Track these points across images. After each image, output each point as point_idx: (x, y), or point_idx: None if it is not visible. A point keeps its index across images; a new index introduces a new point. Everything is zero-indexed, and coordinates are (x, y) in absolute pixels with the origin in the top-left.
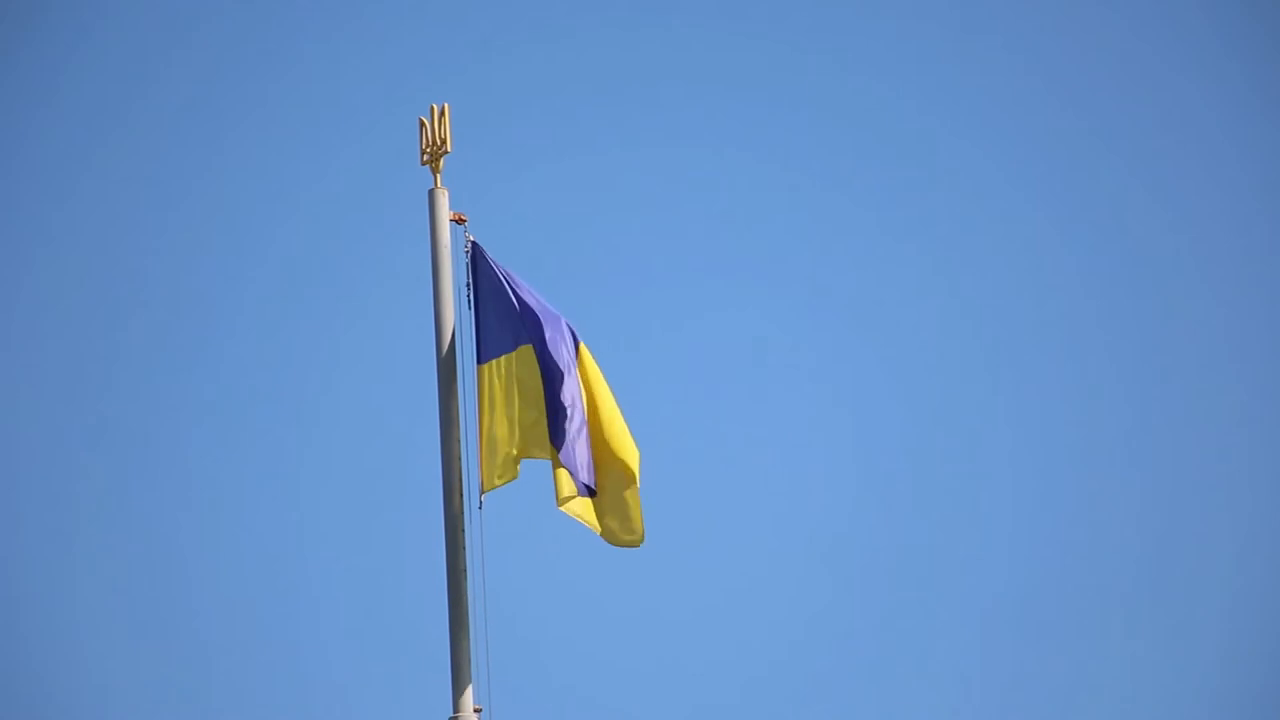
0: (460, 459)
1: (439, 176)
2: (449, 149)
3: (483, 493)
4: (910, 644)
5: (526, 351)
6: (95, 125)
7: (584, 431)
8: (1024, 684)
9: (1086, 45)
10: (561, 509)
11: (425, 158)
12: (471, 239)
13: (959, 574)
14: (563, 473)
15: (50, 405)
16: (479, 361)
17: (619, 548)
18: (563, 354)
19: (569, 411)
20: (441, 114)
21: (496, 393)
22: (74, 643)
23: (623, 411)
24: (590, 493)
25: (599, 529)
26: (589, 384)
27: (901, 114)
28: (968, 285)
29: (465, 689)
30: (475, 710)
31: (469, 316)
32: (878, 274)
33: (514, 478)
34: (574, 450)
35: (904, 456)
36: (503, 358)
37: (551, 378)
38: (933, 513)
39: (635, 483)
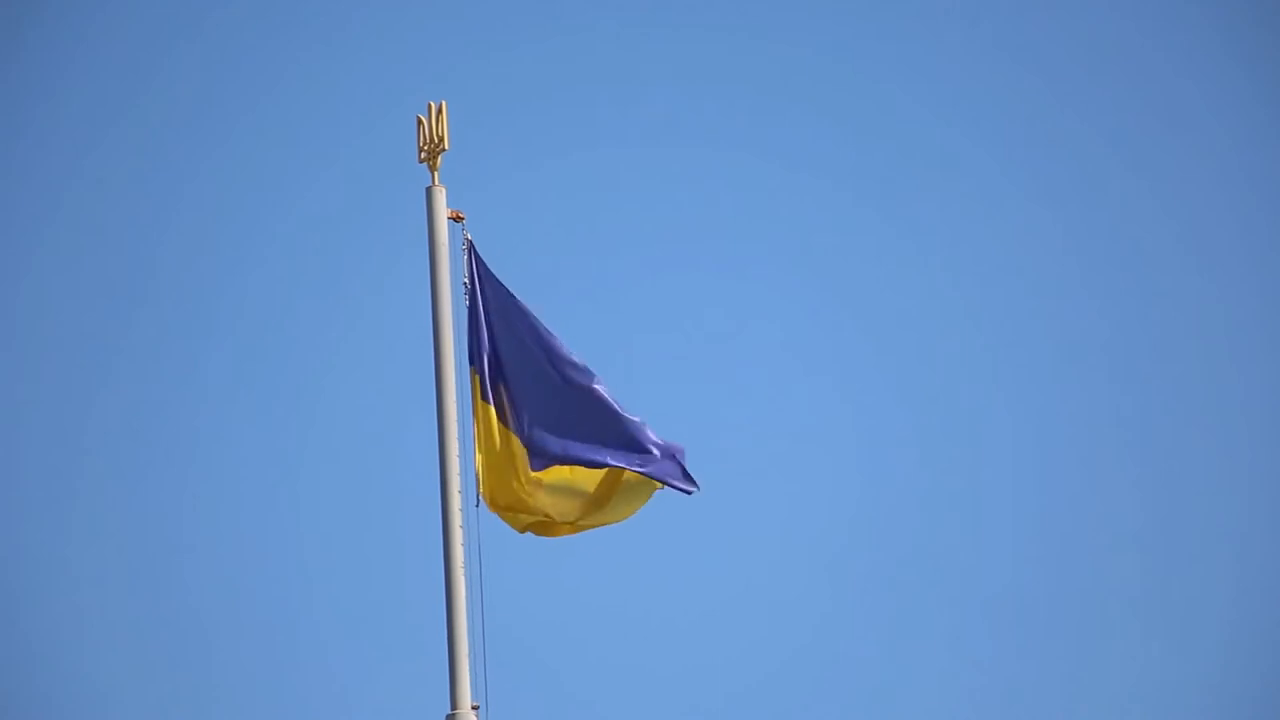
0: (458, 457)
1: (436, 174)
2: (447, 146)
3: (480, 491)
4: (910, 645)
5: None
6: (95, 124)
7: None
8: (1024, 684)
9: (1086, 45)
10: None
11: (423, 155)
12: (470, 238)
13: (960, 574)
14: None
15: (50, 405)
16: (470, 363)
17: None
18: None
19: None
20: (439, 111)
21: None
22: (74, 642)
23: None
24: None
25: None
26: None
27: (902, 114)
28: (969, 285)
29: (463, 686)
30: (472, 708)
31: (466, 314)
32: (879, 273)
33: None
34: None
35: (906, 457)
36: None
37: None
38: (934, 513)
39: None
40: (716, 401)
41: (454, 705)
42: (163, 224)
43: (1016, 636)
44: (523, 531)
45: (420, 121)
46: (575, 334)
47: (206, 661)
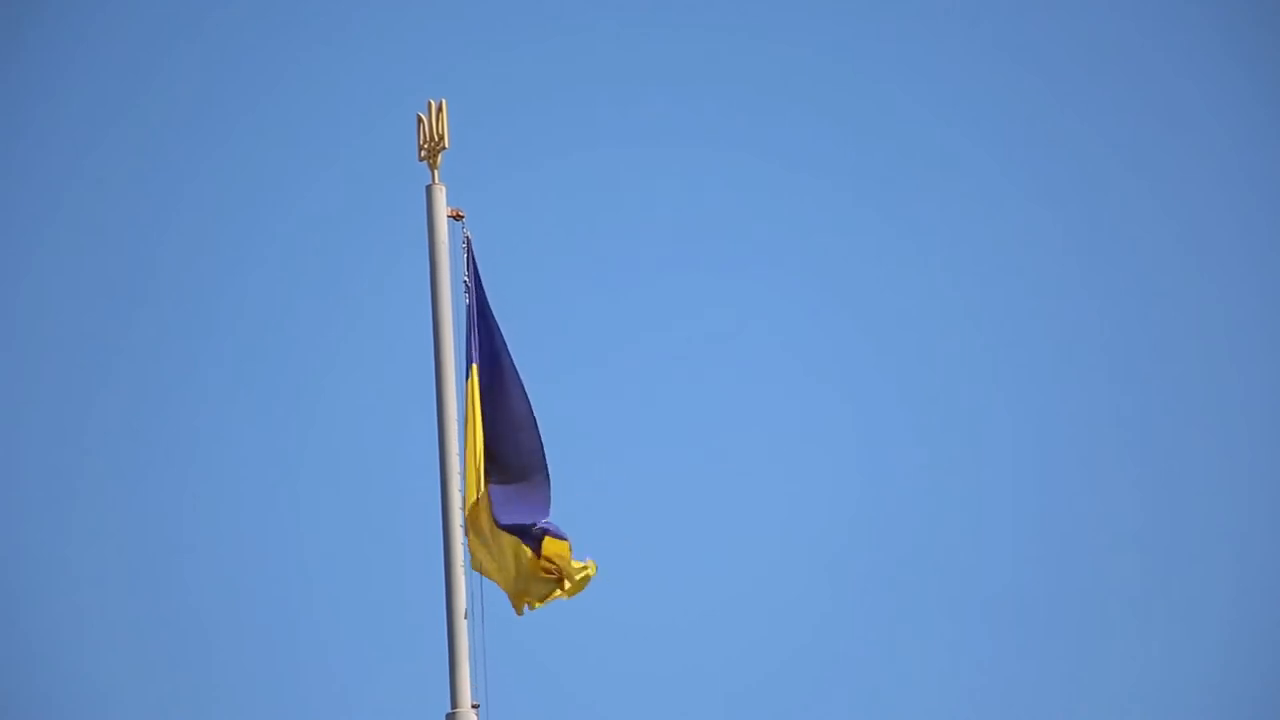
0: (458, 457)
1: (436, 172)
2: (447, 145)
3: (466, 504)
4: (910, 645)
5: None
6: (95, 124)
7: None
8: (1024, 684)
9: (1086, 45)
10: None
11: (423, 153)
12: (470, 237)
13: (960, 574)
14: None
15: (50, 405)
16: (471, 360)
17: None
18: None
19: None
20: (439, 109)
21: (475, 399)
22: (74, 642)
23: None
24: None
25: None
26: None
27: (902, 114)
28: (969, 285)
29: (463, 686)
30: (473, 706)
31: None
32: (879, 273)
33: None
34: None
35: (906, 457)
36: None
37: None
38: (934, 513)
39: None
40: (716, 401)
41: (454, 704)
42: (163, 224)
43: (1016, 636)
44: (475, 569)
45: (420, 119)
46: (576, 333)
47: (206, 661)
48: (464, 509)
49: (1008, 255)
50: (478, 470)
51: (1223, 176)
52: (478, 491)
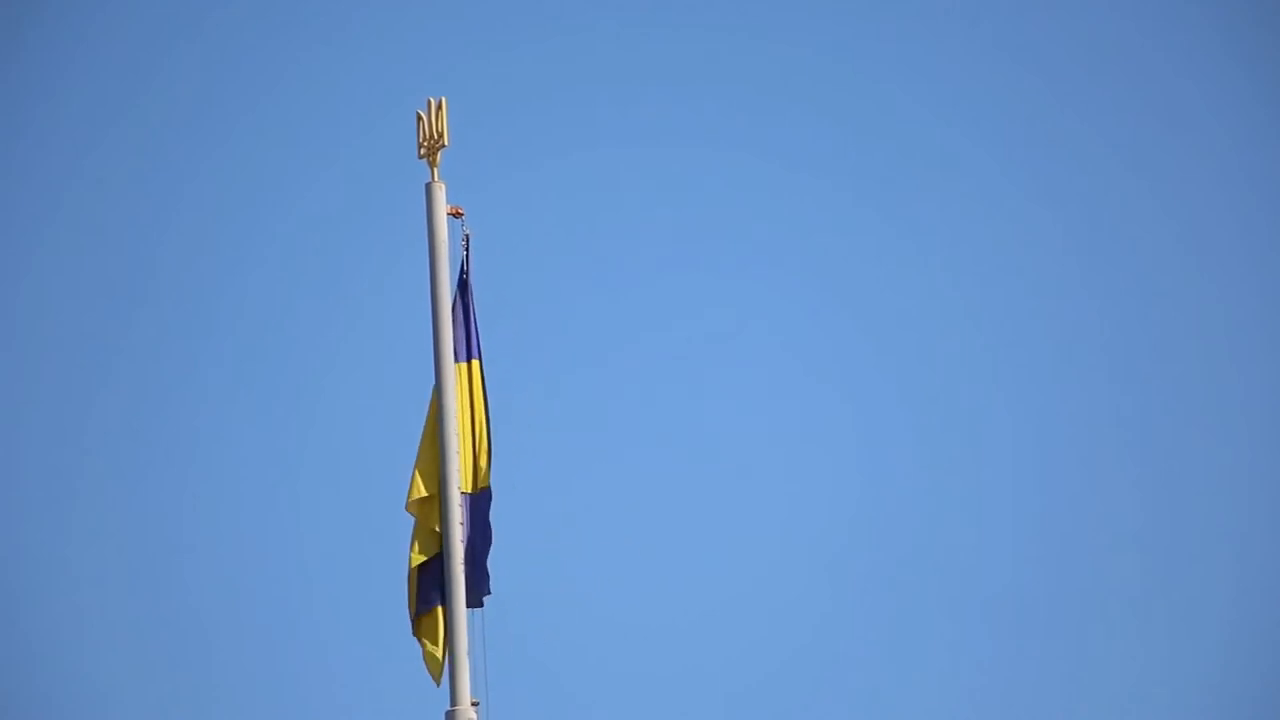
0: (458, 456)
1: (436, 170)
2: (446, 143)
3: (462, 492)
4: (910, 645)
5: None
6: (95, 124)
7: None
8: (1024, 684)
9: (1086, 45)
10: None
11: (422, 151)
12: (468, 233)
13: (960, 574)
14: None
15: (50, 405)
16: (473, 355)
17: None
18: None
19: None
20: (439, 107)
21: (476, 394)
22: (74, 642)
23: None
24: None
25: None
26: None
27: (902, 114)
28: (969, 285)
29: (462, 683)
30: (473, 703)
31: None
32: (879, 273)
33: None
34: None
35: (906, 457)
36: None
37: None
38: (934, 513)
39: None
40: (716, 401)
41: (454, 701)
42: (163, 224)
43: (1016, 636)
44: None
45: (420, 117)
46: (576, 333)
47: (206, 661)
48: (460, 503)
49: (1008, 255)
50: (476, 456)
51: (1223, 176)
52: (477, 486)
